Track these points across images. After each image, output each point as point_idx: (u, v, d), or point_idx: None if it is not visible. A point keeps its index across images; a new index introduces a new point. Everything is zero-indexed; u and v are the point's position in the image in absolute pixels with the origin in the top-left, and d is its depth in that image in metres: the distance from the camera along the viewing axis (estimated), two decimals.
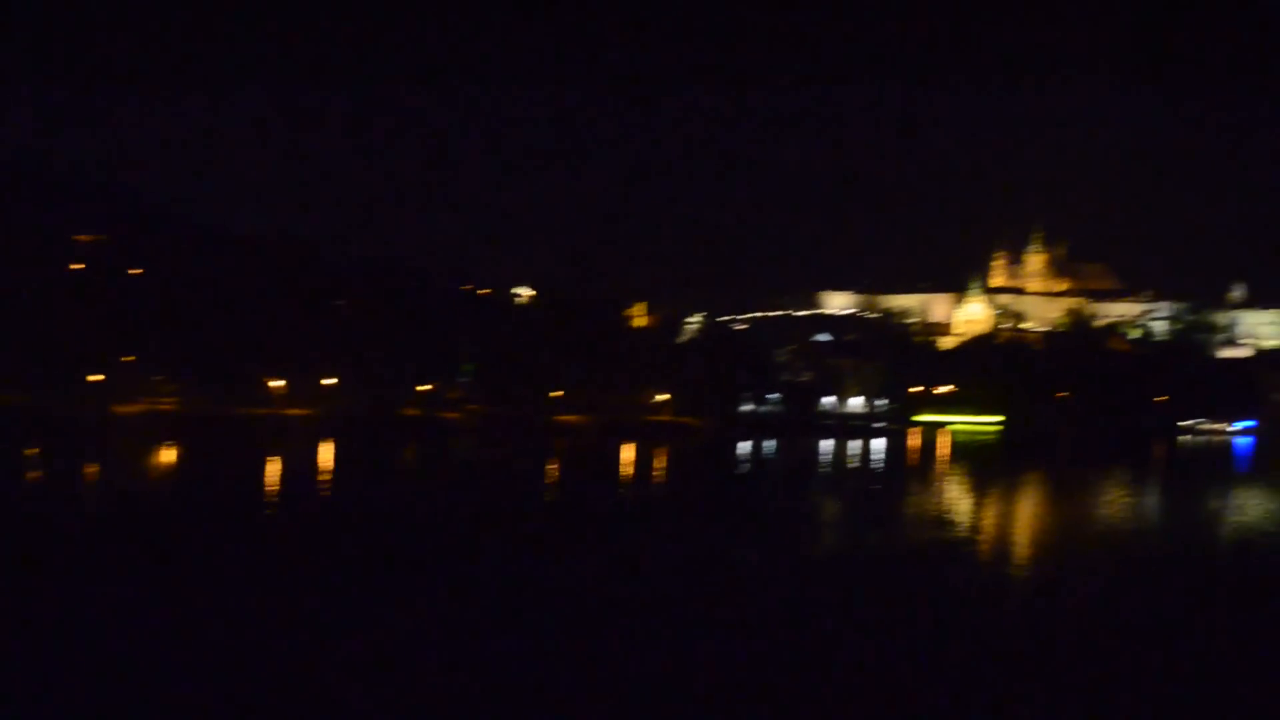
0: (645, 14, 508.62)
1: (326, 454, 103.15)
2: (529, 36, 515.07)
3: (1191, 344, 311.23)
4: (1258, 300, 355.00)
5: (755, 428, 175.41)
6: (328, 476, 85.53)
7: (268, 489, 73.43)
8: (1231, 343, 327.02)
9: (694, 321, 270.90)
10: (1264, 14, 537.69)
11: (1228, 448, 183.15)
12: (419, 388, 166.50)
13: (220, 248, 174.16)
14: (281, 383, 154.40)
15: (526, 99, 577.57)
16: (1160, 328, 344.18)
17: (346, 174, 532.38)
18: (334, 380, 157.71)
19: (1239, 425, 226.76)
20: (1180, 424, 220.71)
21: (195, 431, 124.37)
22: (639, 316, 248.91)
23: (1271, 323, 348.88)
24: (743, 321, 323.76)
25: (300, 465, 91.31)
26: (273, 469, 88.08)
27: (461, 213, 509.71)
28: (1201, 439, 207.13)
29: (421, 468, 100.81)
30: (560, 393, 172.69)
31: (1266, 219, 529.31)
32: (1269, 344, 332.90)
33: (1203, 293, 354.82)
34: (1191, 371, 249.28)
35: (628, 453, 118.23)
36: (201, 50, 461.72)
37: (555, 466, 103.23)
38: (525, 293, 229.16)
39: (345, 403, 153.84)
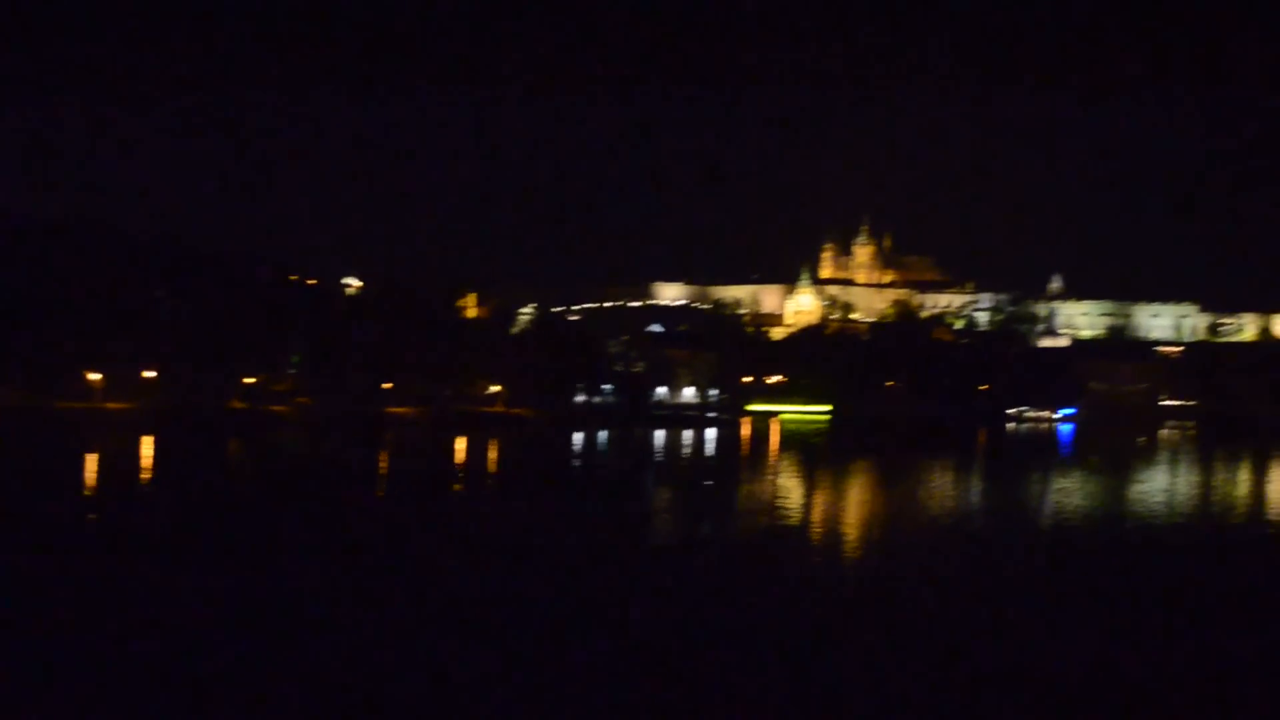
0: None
1: (142, 449, 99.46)
2: (347, 29, 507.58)
3: (1013, 334, 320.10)
4: (1074, 292, 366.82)
5: (589, 419, 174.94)
6: (139, 473, 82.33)
7: (72, 486, 70.26)
8: (1050, 333, 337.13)
9: (526, 312, 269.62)
10: (1081, 11, 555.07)
11: (1052, 434, 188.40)
12: (245, 380, 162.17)
13: (28, 235, 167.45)
14: (98, 376, 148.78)
15: (353, 88, 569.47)
16: (983, 318, 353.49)
17: (172, 163, 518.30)
18: (154, 373, 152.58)
19: (1062, 413, 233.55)
20: (1007, 412, 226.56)
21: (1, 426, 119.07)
22: (471, 307, 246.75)
23: (1087, 313, 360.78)
24: (576, 312, 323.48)
25: (113, 461, 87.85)
26: (84, 465, 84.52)
27: (290, 202, 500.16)
28: (1027, 426, 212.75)
29: (242, 462, 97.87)
30: (390, 385, 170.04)
31: (1082, 213, 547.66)
32: (1085, 334, 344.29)
33: (1022, 284, 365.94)
34: (1013, 361, 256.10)
35: (459, 445, 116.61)
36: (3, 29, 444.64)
37: (383, 459, 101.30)
38: (354, 283, 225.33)
39: (167, 396, 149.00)
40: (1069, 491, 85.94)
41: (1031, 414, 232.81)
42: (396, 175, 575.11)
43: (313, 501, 65.09)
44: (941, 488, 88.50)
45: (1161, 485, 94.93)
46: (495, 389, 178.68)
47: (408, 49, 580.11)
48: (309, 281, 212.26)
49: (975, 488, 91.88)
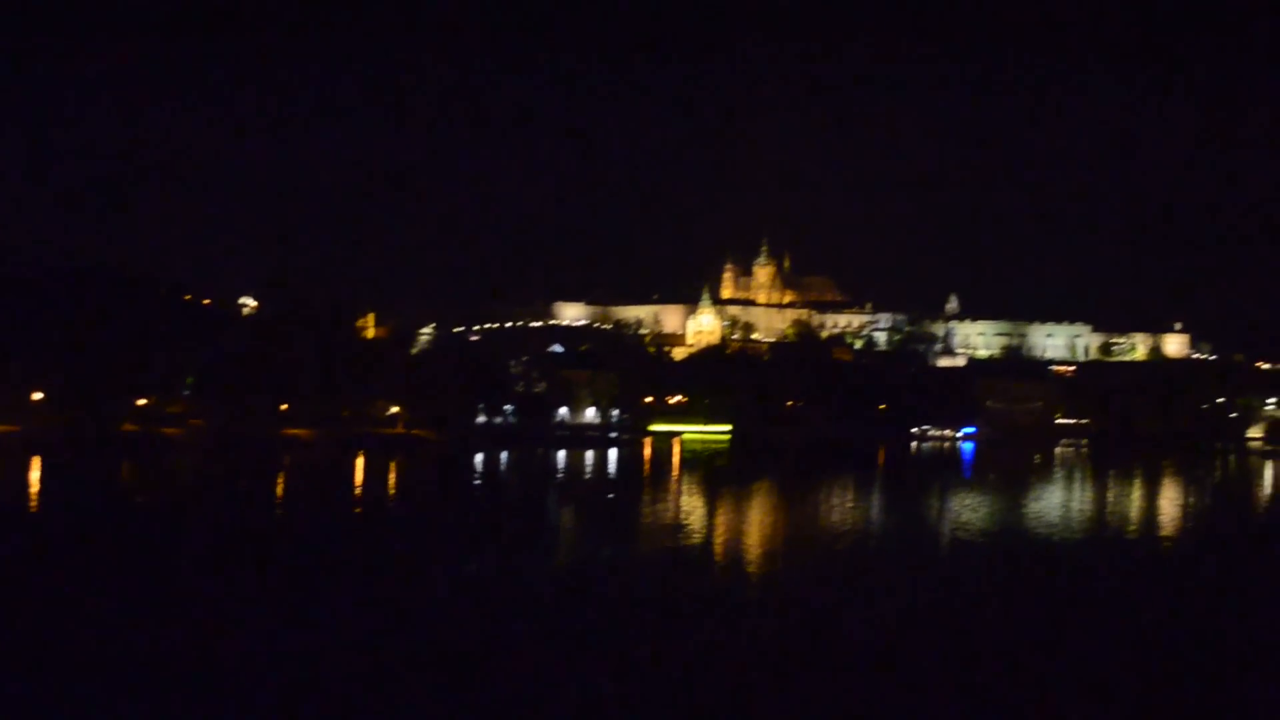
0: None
1: (30, 473, 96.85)
2: (224, 44, 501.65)
3: (911, 354, 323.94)
4: (970, 312, 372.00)
5: (490, 440, 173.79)
6: (23, 496, 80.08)
7: None
8: (948, 352, 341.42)
9: (427, 333, 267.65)
10: (978, 36, 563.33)
11: (954, 453, 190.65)
12: (138, 402, 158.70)
13: None
14: None
15: (247, 103, 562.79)
16: (882, 338, 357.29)
17: (62, 179, 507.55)
18: (42, 395, 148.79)
19: (963, 432, 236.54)
20: (910, 430, 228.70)
21: None
22: (370, 327, 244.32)
23: (983, 333, 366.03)
24: (477, 333, 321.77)
25: None
26: None
27: (184, 221, 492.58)
28: (929, 445, 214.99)
29: (132, 486, 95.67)
30: (287, 406, 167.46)
31: (978, 234, 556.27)
32: (981, 353, 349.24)
33: (920, 304, 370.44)
34: (911, 380, 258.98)
35: (358, 467, 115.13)
36: None
37: (279, 482, 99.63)
38: (251, 303, 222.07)
39: (55, 419, 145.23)
40: (962, 509, 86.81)
41: (934, 433, 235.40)
42: (297, 195, 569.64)
43: (199, 526, 63.72)
44: (839, 507, 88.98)
45: (1054, 502, 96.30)
46: (395, 410, 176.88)
47: (301, 60, 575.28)
48: (204, 301, 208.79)
49: (871, 507, 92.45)
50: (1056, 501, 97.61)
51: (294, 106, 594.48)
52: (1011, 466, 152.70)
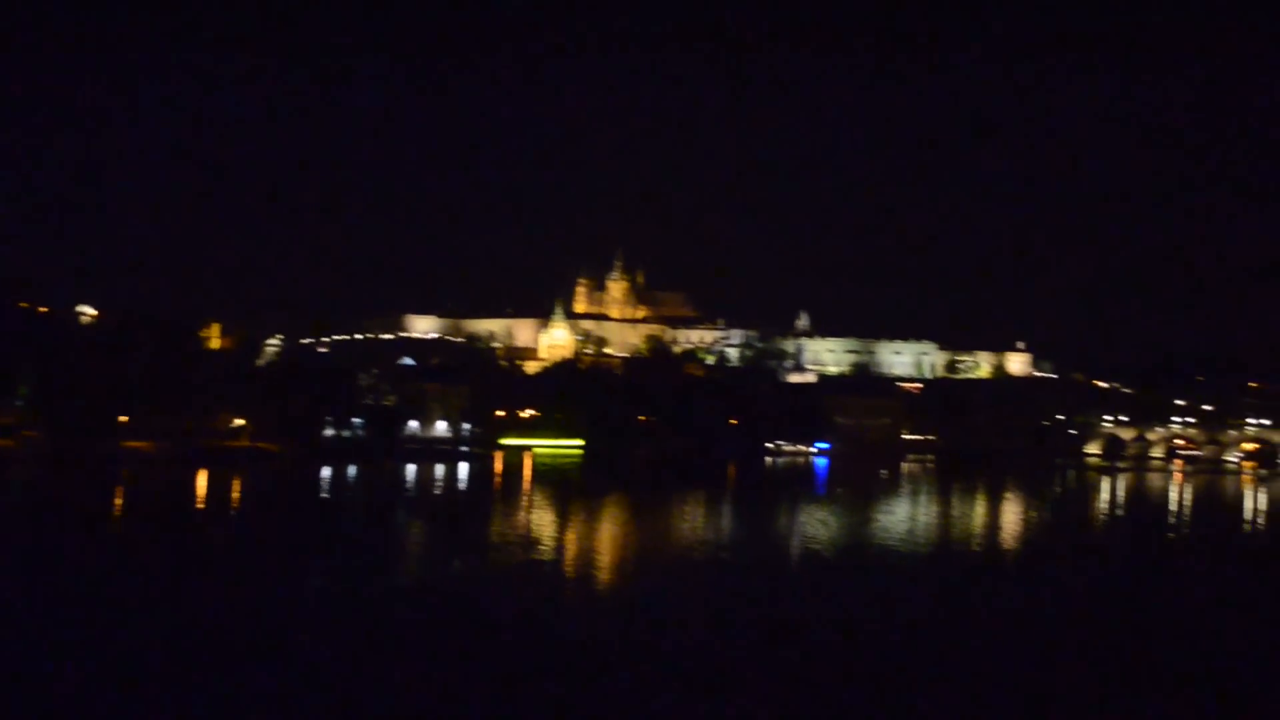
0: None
1: None
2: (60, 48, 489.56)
3: (762, 369, 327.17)
4: (820, 329, 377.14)
5: (338, 453, 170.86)
6: None
7: None
8: (798, 369, 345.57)
9: (274, 344, 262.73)
10: (824, 51, 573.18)
11: (809, 468, 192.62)
12: None
13: None
14: None
15: (88, 106, 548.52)
16: (734, 354, 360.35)
17: None
18: None
19: (817, 447, 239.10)
20: (766, 445, 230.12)
21: None
22: (215, 338, 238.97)
23: (832, 350, 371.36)
24: (325, 344, 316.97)
25: None
26: None
27: (20, 226, 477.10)
28: (784, 460, 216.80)
29: None
30: (127, 418, 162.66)
31: (826, 252, 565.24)
32: (831, 370, 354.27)
33: (771, 321, 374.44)
34: (763, 396, 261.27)
35: (200, 481, 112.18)
36: None
37: (117, 497, 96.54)
38: (90, 311, 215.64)
39: None
40: (810, 524, 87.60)
41: (789, 448, 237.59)
42: (142, 203, 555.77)
43: (25, 542, 61.31)
44: (690, 521, 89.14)
45: (900, 517, 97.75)
46: (240, 423, 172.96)
47: (141, 63, 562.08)
48: (40, 309, 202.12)
49: (720, 522, 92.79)
50: (902, 516, 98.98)
51: (139, 109, 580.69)
52: (861, 482, 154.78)
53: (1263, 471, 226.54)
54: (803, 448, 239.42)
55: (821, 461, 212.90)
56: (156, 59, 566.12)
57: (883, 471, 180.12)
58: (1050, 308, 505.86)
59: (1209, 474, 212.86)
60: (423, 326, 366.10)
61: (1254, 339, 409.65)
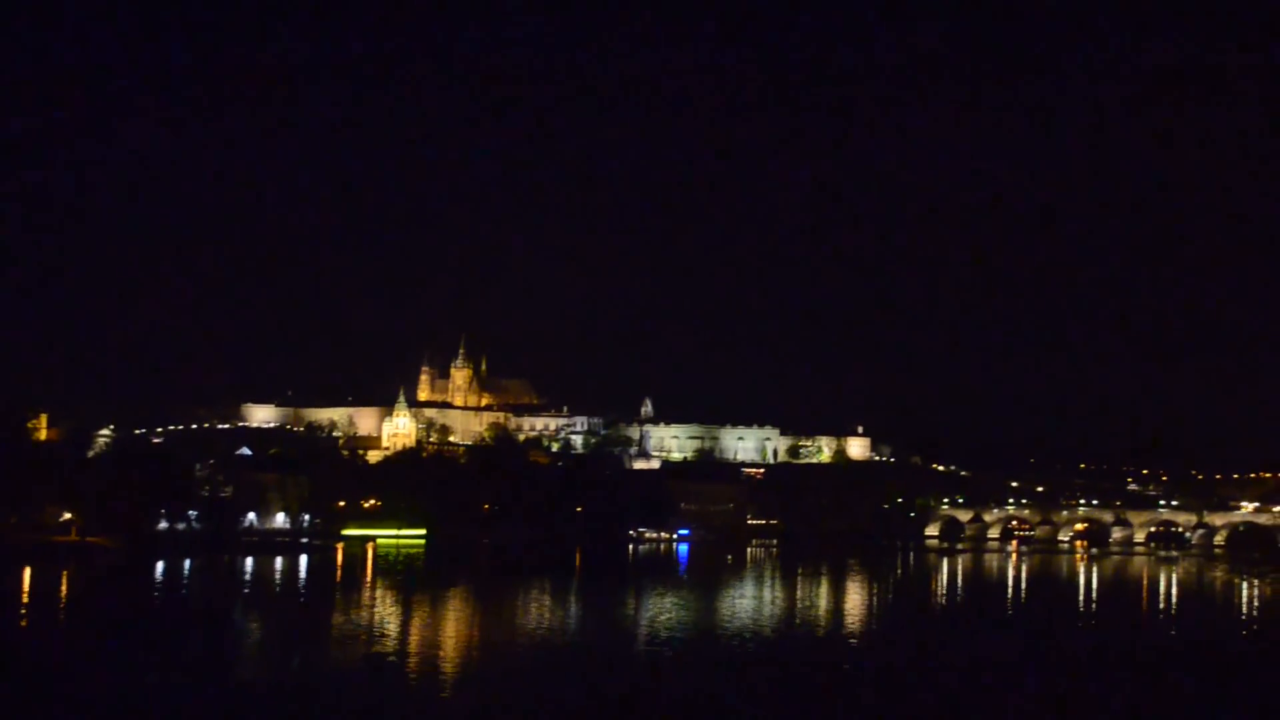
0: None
1: None
2: None
3: (607, 456, 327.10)
4: (664, 415, 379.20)
5: (173, 547, 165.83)
6: None
7: None
8: (643, 455, 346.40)
9: (105, 435, 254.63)
10: (665, 137, 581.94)
11: (670, 555, 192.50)
12: None
13: None
14: None
15: None
16: (578, 441, 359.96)
17: None
18: None
19: (679, 533, 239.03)
20: (617, 532, 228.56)
21: None
22: (41, 429, 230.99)
23: (676, 436, 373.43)
24: (159, 434, 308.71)
25: None
26: None
27: None
28: (646, 546, 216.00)
29: None
30: None
31: (670, 339, 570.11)
32: (675, 456, 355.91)
33: (615, 408, 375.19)
34: (608, 482, 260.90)
35: (24, 579, 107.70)
36: None
37: None
38: None
39: None
40: (655, 610, 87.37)
41: (650, 534, 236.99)
42: None
43: None
44: (528, 612, 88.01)
45: (745, 604, 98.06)
46: (68, 517, 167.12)
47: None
48: None
49: (561, 610, 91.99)
50: (747, 603, 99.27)
51: None
52: (711, 567, 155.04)
53: (1094, 550, 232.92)
54: (664, 534, 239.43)
55: (683, 548, 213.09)
56: None
57: (728, 557, 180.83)
58: (886, 391, 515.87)
59: (1044, 553, 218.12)
60: (261, 416, 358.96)
61: (1083, 422, 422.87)
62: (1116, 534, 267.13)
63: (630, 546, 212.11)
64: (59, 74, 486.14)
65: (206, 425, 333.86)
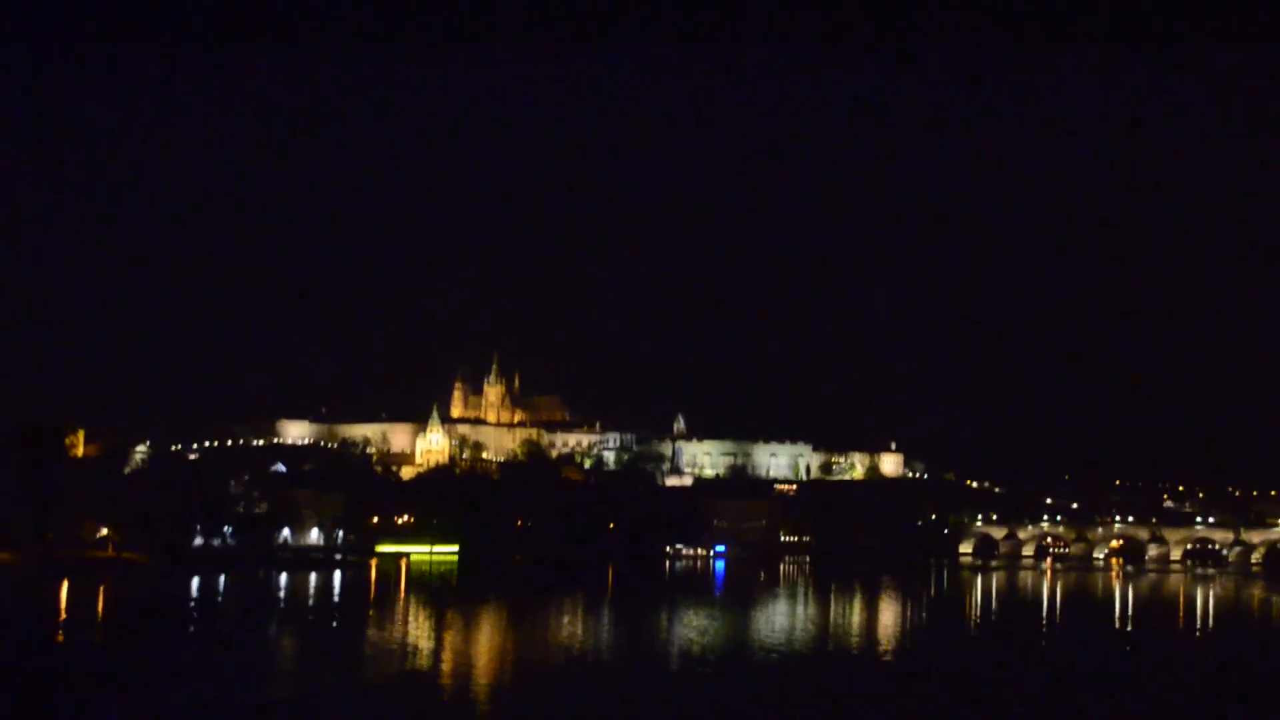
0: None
1: None
2: None
3: (639, 473, 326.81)
4: (696, 431, 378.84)
5: (208, 563, 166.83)
6: None
7: None
8: (676, 471, 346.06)
9: (141, 451, 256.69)
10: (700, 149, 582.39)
11: (707, 571, 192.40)
12: None
13: None
14: None
15: None
16: (611, 457, 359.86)
17: None
18: None
19: (715, 550, 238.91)
20: (651, 549, 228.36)
21: None
22: (79, 445, 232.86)
23: (709, 452, 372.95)
24: (195, 451, 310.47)
25: None
26: None
27: None
28: (683, 563, 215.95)
29: None
30: None
31: (702, 356, 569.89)
32: (708, 473, 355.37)
33: (648, 424, 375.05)
34: (641, 499, 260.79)
35: (63, 593, 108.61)
36: None
37: None
38: None
39: None
40: (687, 629, 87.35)
41: (687, 552, 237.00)
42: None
43: None
44: (563, 628, 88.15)
45: (779, 622, 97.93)
46: (105, 532, 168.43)
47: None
48: None
49: (596, 627, 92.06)
50: (781, 619, 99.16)
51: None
52: (749, 583, 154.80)
53: (1129, 568, 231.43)
54: (701, 551, 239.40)
55: (719, 565, 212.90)
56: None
57: (760, 574, 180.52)
58: (921, 407, 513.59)
59: (1079, 571, 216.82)
60: (296, 432, 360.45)
61: (1118, 438, 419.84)
62: (1152, 551, 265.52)
63: (667, 563, 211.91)
64: (111, 91, 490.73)
65: (241, 442, 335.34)
